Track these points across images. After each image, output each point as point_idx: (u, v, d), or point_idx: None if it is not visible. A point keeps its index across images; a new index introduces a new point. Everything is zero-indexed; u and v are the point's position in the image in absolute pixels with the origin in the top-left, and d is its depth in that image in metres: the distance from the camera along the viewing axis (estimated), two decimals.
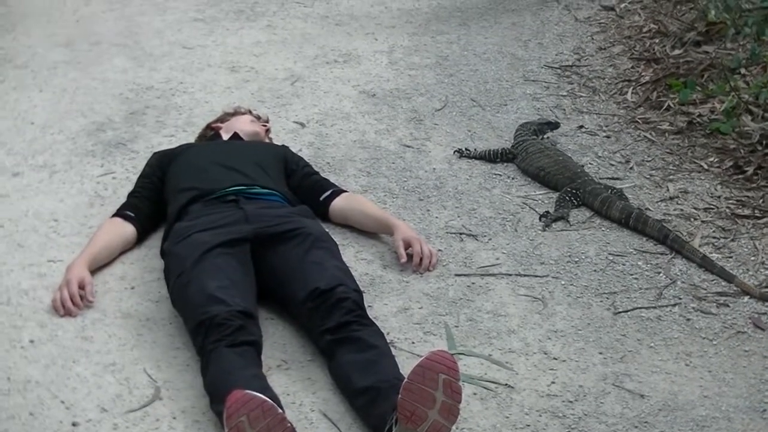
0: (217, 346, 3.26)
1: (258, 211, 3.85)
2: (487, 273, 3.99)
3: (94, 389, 3.31)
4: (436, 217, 4.39)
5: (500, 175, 4.76)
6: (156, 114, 5.32)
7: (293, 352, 3.50)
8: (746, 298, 3.82)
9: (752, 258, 4.07)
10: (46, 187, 4.57)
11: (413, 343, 3.56)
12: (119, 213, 4.09)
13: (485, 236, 4.25)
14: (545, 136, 4.97)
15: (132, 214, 4.08)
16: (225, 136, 4.45)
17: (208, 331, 3.31)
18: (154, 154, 4.38)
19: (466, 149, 4.92)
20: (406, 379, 2.96)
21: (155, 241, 4.06)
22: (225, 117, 4.63)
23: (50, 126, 5.16)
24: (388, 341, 3.45)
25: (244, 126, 4.50)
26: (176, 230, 3.80)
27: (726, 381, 3.39)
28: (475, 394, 3.31)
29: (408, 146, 5.00)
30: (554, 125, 5.07)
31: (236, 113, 4.63)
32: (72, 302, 3.68)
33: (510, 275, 3.98)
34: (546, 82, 5.79)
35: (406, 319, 3.69)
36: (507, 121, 5.27)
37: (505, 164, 4.84)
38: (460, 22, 6.72)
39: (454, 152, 4.93)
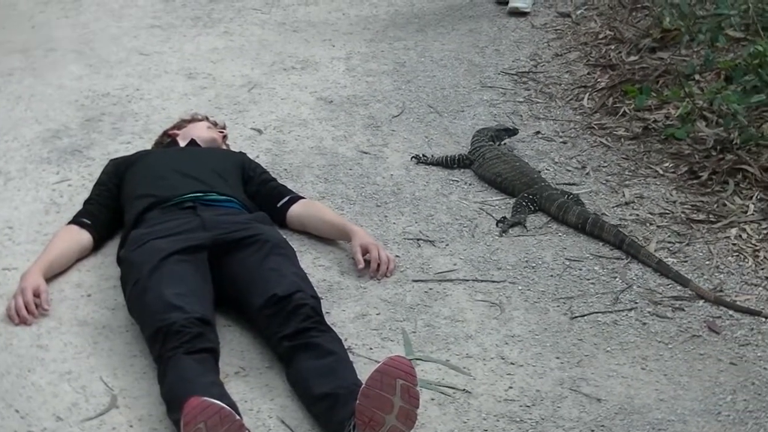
0: (175, 353, 3.25)
1: (215, 218, 3.85)
2: (444, 279, 4.00)
3: (50, 398, 3.29)
4: (394, 223, 4.39)
5: (457, 181, 4.77)
6: (112, 121, 5.29)
7: (251, 359, 3.49)
8: (701, 302, 3.85)
9: (707, 262, 4.11)
10: (1, 195, 4.54)
11: (371, 349, 3.56)
12: (75, 220, 4.07)
13: (442, 242, 4.26)
14: (503, 143, 4.98)
15: (88, 222, 4.06)
16: (182, 143, 4.43)
17: (166, 339, 3.29)
18: (111, 161, 4.35)
19: (423, 155, 4.93)
20: (363, 385, 2.97)
21: (112, 248, 4.04)
22: (182, 124, 4.61)
23: (5, 133, 5.12)
24: (346, 347, 3.45)
25: (201, 132, 4.49)
26: (133, 237, 3.78)
27: (681, 384, 3.42)
28: (432, 399, 3.31)
29: (365, 152, 5.01)
30: (512, 132, 5.09)
31: (193, 120, 4.62)
32: (27, 310, 3.66)
33: (467, 281, 3.99)
34: (503, 89, 5.81)
35: (363, 325, 3.69)
36: (464, 128, 5.28)
37: (462, 170, 4.85)
38: (418, 28, 6.73)
39: (412, 158, 4.93)
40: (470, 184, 4.75)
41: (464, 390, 3.37)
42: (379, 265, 3.96)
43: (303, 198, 4.31)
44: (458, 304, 3.84)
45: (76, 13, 6.95)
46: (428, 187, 4.71)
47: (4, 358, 3.47)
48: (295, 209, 4.24)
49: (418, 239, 4.28)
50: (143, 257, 3.62)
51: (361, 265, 3.96)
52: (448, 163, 4.87)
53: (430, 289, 3.94)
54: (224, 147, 4.58)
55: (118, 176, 4.19)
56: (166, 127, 4.77)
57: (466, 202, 4.59)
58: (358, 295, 3.87)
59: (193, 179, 4.04)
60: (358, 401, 2.95)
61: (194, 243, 3.69)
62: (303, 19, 6.88)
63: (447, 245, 4.24)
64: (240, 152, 4.55)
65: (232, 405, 3.07)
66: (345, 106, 5.53)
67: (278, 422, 3.21)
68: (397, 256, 4.13)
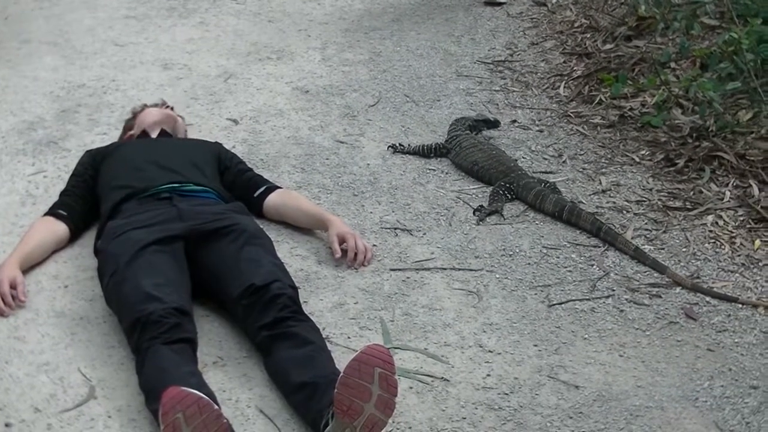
0: (153, 343, 3.24)
1: (192, 209, 3.84)
2: (421, 267, 4.00)
3: (28, 389, 3.28)
4: (371, 213, 4.39)
5: (434, 170, 4.77)
6: (88, 112, 5.27)
7: (229, 349, 3.49)
8: (678, 289, 3.87)
9: (684, 249, 4.12)
10: None
11: (349, 338, 3.56)
12: (51, 212, 4.05)
13: (420, 231, 4.26)
14: (481, 133, 4.98)
15: (65, 213, 4.04)
16: (153, 134, 4.41)
17: (144, 329, 3.28)
18: (86, 152, 4.33)
19: (399, 144, 4.93)
20: (342, 374, 2.96)
21: (88, 239, 4.03)
22: (131, 123, 4.58)
23: None
24: (324, 336, 3.45)
25: (153, 117, 4.45)
26: (109, 228, 3.76)
27: (659, 371, 3.43)
28: (411, 387, 3.32)
29: (342, 142, 5.00)
30: (493, 123, 5.09)
31: (141, 111, 4.58)
32: (3, 302, 3.64)
33: (445, 269, 4.00)
34: (479, 78, 5.81)
35: (341, 314, 3.69)
36: (440, 117, 5.28)
37: (439, 159, 4.85)
38: (393, 18, 6.73)
39: (388, 148, 4.93)
40: (447, 173, 4.75)
41: (442, 378, 3.37)
42: (356, 254, 3.96)
43: (280, 188, 4.30)
44: (436, 293, 3.84)
45: (50, 5, 6.92)
46: (405, 176, 4.71)
47: None
48: (271, 199, 4.23)
49: (395, 228, 4.27)
50: (120, 248, 3.61)
51: (338, 254, 3.95)
52: (425, 152, 4.87)
53: (408, 278, 3.94)
54: (179, 120, 4.60)
55: (94, 167, 4.18)
56: None
57: (443, 191, 4.59)
58: (336, 285, 3.86)
59: (170, 170, 4.03)
60: (336, 390, 2.95)
61: (171, 233, 3.67)
62: (278, 9, 6.86)
63: (424, 234, 4.24)
64: (216, 142, 4.54)
65: (210, 395, 3.06)
66: (321, 95, 5.52)
67: (257, 412, 3.20)
68: (374, 245, 4.13)
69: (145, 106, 4.60)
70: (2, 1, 6.97)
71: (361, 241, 4.01)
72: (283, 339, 3.35)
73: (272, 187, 4.28)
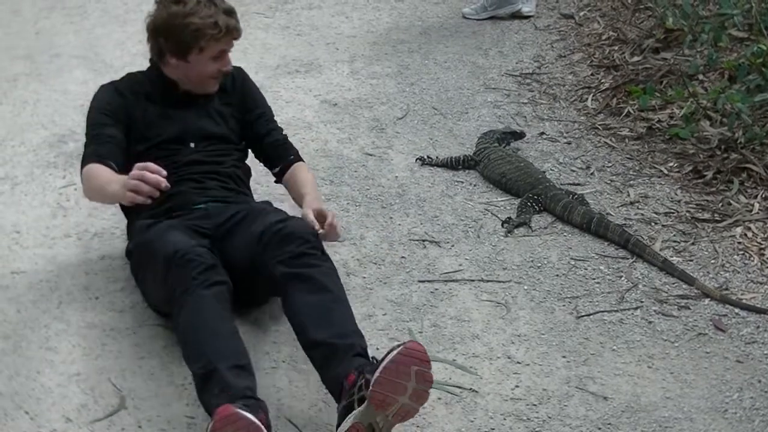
0: (192, 285, 3.24)
1: (220, 211, 3.78)
2: (450, 279, 4.01)
3: (59, 399, 3.31)
4: (399, 225, 4.40)
5: (462, 182, 4.78)
6: None
7: (257, 360, 3.49)
8: (707, 301, 3.86)
9: (712, 261, 4.12)
10: (8, 199, 4.55)
11: (378, 349, 3.56)
12: (105, 162, 3.77)
13: (448, 243, 4.27)
14: (509, 145, 4.99)
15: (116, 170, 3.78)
16: (200, 90, 4.00)
17: (180, 270, 3.28)
18: (109, 92, 4.06)
19: (428, 157, 4.94)
20: (379, 373, 2.96)
21: (119, 251, 4.06)
22: (191, 35, 3.86)
23: (11, 138, 5.14)
24: None
25: (215, 74, 4.00)
26: (140, 226, 3.73)
27: (688, 382, 3.43)
28: (439, 398, 3.33)
29: (370, 154, 5.02)
30: (519, 135, 5.10)
31: (217, 42, 3.95)
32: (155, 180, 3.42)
33: (473, 281, 4.01)
34: (507, 90, 5.82)
35: (370, 325, 3.70)
36: (468, 129, 5.29)
37: (467, 171, 4.87)
38: (421, 31, 6.75)
39: (416, 160, 4.95)
40: (475, 185, 4.76)
41: (471, 389, 3.38)
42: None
43: (297, 162, 4.16)
44: (464, 304, 3.85)
45: (81, 19, 6.97)
46: (433, 188, 4.72)
47: (13, 360, 3.48)
48: (285, 179, 4.14)
49: (423, 240, 4.29)
50: (152, 234, 3.58)
51: (317, 225, 3.66)
52: (453, 165, 4.89)
53: (436, 289, 3.95)
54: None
55: (123, 123, 3.93)
56: None
57: (471, 202, 4.60)
58: (365, 296, 3.88)
59: (206, 188, 3.87)
60: (372, 388, 2.95)
61: (201, 230, 3.66)
62: (306, 23, 6.89)
63: (452, 246, 4.25)
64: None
65: (248, 366, 3.15)
66: (349, 108, 5.55)
67: (286, 422, 3.22)
68: (402, 257, 4.15)
69: (222, 35, 3.85)
70: (33, 15, 7.03)
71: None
72: (299, 280, 3.34)
73: (288, 164, 4.14)
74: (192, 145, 3.91)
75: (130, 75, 4.14)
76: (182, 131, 3.92)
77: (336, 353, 3.15)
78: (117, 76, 5.71)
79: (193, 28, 3.76)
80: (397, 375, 2.96)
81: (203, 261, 3.31)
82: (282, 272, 3.37)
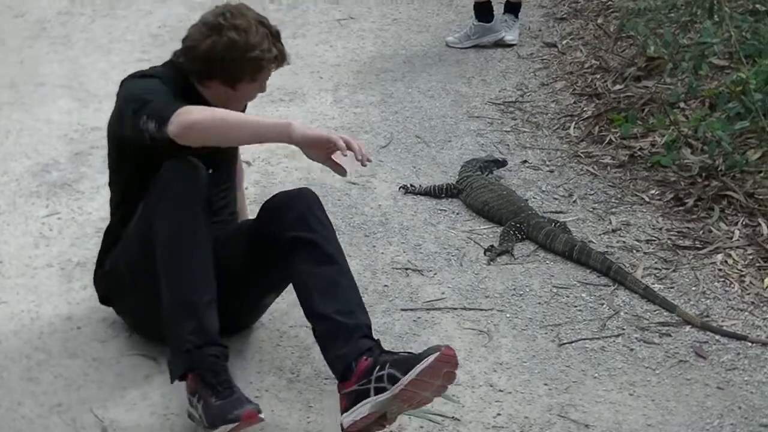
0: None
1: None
2: (432, 307, 4.03)
3: (40, 430, 3.30)
4: (382, 253, 4.41)
5: (445, 210, 4.80)
6: (102, 154, 5.26)
7: (242, 389, 3.48)
8: (688, 328, 3.88)
9: (693, 288, 4.14)
10: None
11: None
12: None
13: (431, 271, 4.28)
14: (492, 173, 5.02)
15: None
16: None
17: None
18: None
19: (411, 185, 4.96)
20: (416, 376, 3.02)
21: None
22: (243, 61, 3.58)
23: None
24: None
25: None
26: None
27: (669, 409, 3.44)
28: (422, 427, 3.33)
29: (353, 183, 5.03)
30: (501, 163, 5.12)
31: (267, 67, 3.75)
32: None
33: (455, 309, 4.02)
34: (490, 118, 5.85)
35: None
36: (451, 157, 5.31)
37: (450, 200, 4.88)
38: (404, 59, 6.78)
39: (399, 188, 4.97)
40: (458, 213, 4.78)
41: (453, 418, 3.38)
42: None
43: None
44: (446, 333, 3.86)
45: (65, 48, 6.98)
46: (416, 216, 4.73)
47: None
48: None
49: (406, 268, 4.30)
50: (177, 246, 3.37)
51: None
52: (436, 193, 4.91)
53: (419, 317, 3.96)
54: None
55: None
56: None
57: (454, 231, 4.62)
58: None
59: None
60: (405, 387, 3.02)
61: None
62: (290, 52, 6.76)
63: (435, 274, 4.26)
64: None
65: None
66: None
67: None
68: (385, 285, 4.16)
69: (276, 65, 3.71)
70: (17, 44, 7.04)
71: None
72: (302, 246, 3.36)
73: None
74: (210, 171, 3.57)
75: (164, 73, 3.67)
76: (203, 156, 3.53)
77: (341, 332, 3.21)
78: (101, 106, 5.76)
79: (255, 63, 3.53)
80: (430, 377, 3.04)
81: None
82: (289, 237, 3.37)
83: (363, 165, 3.30)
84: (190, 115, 3.22)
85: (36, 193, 4.88)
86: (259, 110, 5.82)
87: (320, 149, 3.30)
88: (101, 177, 5.02)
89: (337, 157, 3.29)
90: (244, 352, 3.72)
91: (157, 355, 3.66)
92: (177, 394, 3.43)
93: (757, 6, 5.88)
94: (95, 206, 4.73)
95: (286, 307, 3.94)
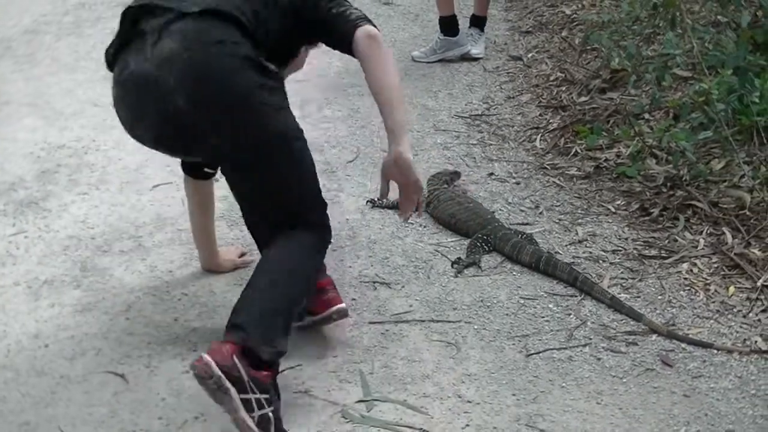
0: None
1: None
2: (400, 320, 4.04)
3: None
4: (350, 267, 4.42)
5: (412, 223, 4.81)
6: (68, 172, 5.30)
7: (208, 405, 3.48)
8: (654, 336, 3.90)
9: (659, 297, 4.16)
10: None
11: (329, 391, 3.58)
12: None
13: (398, 284, 4.30)
14: (454, 185, 5.05)
15: None
16: None
17: None
18: None
19: (378, 199, 4.97)
20: None
21: (69, 298, 4.06)
22: None
23: None
24: (304, 390, 3.49)
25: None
26: None
27: (636, 417, 3.46)
28: None
29: None
30: (457, 174, 5.16)
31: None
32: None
33: (423, 321, 4.03)
34: (456, 132, 5.88)
35: (321, 367, 3.71)
36: (418, 171, 5.31)
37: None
38: None
39: (367, 202, 4.98)
40: (425, 227, 4.80)
41: (422, 429, 3.39)
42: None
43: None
44: (415, 345, 3.87)
45: (30, 66, 6.96)
46: (383, 230, 4.75)
47: None
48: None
49: (374, 282, 4.31)
50: None
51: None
52: None
53: (387, 330, 3.97)
54: None
55: None
56: (123, 177, 4.76)
57: (422, 244, 4.63)
58: (316, 338, 3.89)
59: None
60: None
61: None
62: None
63: (403, 287, 4.28)
64: None
65: None
66: None
67: None
68: (353, 299, 4.16)
69: None
70: None
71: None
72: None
73: None
74: None
75: None
76: None
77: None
78: (67, 124, 5.75)
79: None
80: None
81: None
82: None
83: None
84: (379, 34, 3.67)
85: (2, 211, 4.87)
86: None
87: (401, 177, 3.66)
88: (68, 195, 5.03)
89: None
90: None
91: (126, 372, 3.67)
92: (146, 411, 3.44)
93: (719, 17, 5.94)
94: (62, 224, 4.73)
95: None
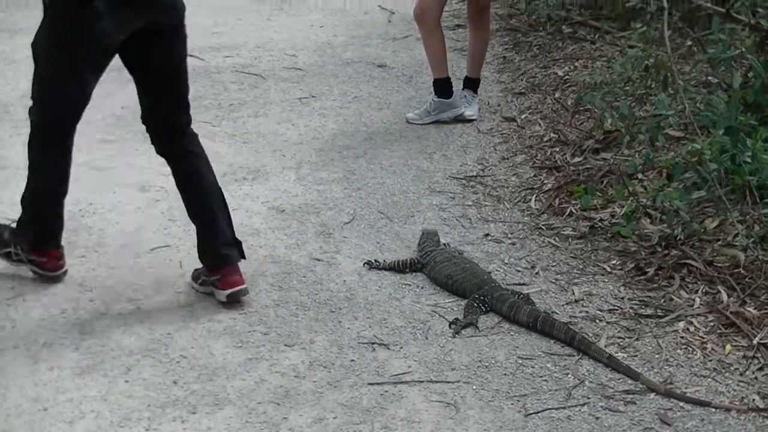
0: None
1: None
2: (399, 381, 4.05)
3: None
4: (348, 328, 4.44)
5: (410, 284, 4.84)
6: (66, 236, 5.27)
7: None
8: (652, 395, 3.92)
9: (656, 356, 4.18)
10: None
11: None
12: None
13: (396, 345, 4.31)
14: (449, 246, 5.10)
15: None
16: None
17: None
18: None
19: (375, 261, 5.00)
20: None
21: (67, 361, 4.06)
22: None
23: None
24: None
25: None
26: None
27: None
28: None
29: (318, 260, 5.07)
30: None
31: None
32: None
33: (422, 382, 4.04)
34: (452, 193, 5.92)
35: (321, 429, 3.72)
36: (414, 232, 5.36)
37: (414, 274, 4.92)
38: (366, 136, 6.86)
39: (364, 264, 5.00)
40: (422, 287, 4.82)
41: None
42: None
43: None
44: (414, 406, 3.88)
45: (27, 131, 6.98)
46: (381, 291, 4.77)
47: None
48: None
49: (372, 343, 4.32)
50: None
51: None
52: (400, 268, 4.95)
53: (386, 391, 3.98)
54: None
55: None
56: (119, 240, 4.79)
57: (419, 305, 4.66)
58: (315, 400, 3.90)
59: None
60: None
61: None
62: (253, 131, 6.97)
63: (401, 348, 4.29)
64: None
65: None
66: (297, 214, 5.61)
67: None
68: (352, 360, 4.18)
69: None
70: None
71: None
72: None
73: None
74: None
75: None
76: None
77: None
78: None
79: None
80: None
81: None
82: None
83: None
84: None
85: (1, 275, 4.88)
86: (223, 189, 5.86)
87: None
88: (68, 258, 5.02)
89: None
90: (212, 429, 3.72)
91: None
92: None
93: (710, 78, 6.02)
94: (60, 287, 4.74)
95: (254, 384, 3.97)
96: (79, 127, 6.91)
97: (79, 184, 5.96)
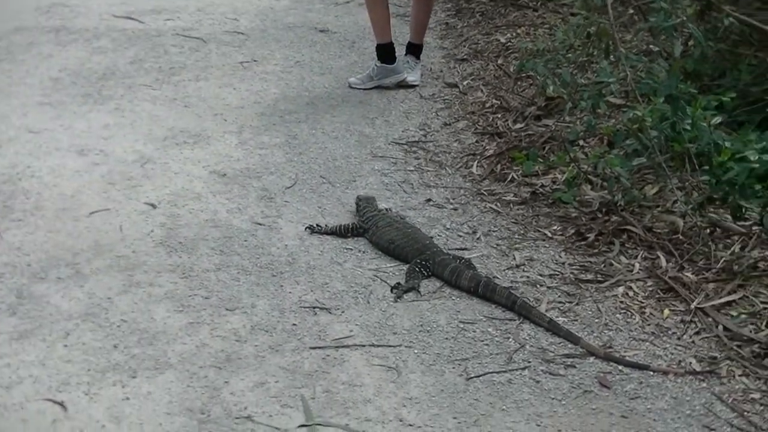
0: None
1: None
2: (341, 345, 4.05)
3: None
4: (290, 293, 4.43)
5: (351, 249, 4.84)
6: (2, 199, 5.25)
7: None
8: (592, 359, 3.96)
9: (596, 320, 4.22)
10: None
11: (271, 416, 3.58)
12: None
13: (338, 309, 4.31)
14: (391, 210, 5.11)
15: None
16: None
17: None
18: None
19: (317, 225, 4.99)
20: None
21: (5, 325, 4.02)
22: None
23: None
24: (246, 415, 3.48)
25: None
26: None
27: None
28: None
29: (260, 224, 5.05)
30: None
31: None
32: None
33: (364, 346, 4.04)
34: (394, 158, 5.91)
35: (263, 393, 3.71)
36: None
37: (356, 239, 4.92)
38: (308, 101, 6.83)
39: (306, 228, 4.99)
40: (364, 252, 4.82)
41: None
42: None
43: None
44: (356, 370, 3.89)
45: None
46: (323, 256, 4.76)
47: None
48: None
49: (314, 307, 4.32)
50: None
51: None
52: (342, 232, 4.94)
53: (328, 355, 3.98)
54: None
55: None
56: (58, 204, 4.73)
57: (361, 269, 4.66)
58: (257, 364, 3.89)
59: None
60: None
61: None
62: (194, 95, 6.91)
63: (343, 312, 4.29)
64: None
65: None
66: (238, 178, 5.57)
67: None
68: (294, 324, 4.17)
69: None
70: None
71: None
72: None
73: None
74: None
75: None
76: None
77: None
78: (1, 151, 5.71)
79: None
80: None
81: None
82: None
83: None
84: None
85: None
86: (162, 153, 5.85)
87: None
88: (2, 221, 4.99)
89: None
90: (153, 394, 3.70)
91: (65, 400, 3.64)
92: None
93: (651, 47, 6.06)
94: None
95: (195, 349, 3.95)
96: (17, 89, 6.89)
97: (17, 147, 5.92)
